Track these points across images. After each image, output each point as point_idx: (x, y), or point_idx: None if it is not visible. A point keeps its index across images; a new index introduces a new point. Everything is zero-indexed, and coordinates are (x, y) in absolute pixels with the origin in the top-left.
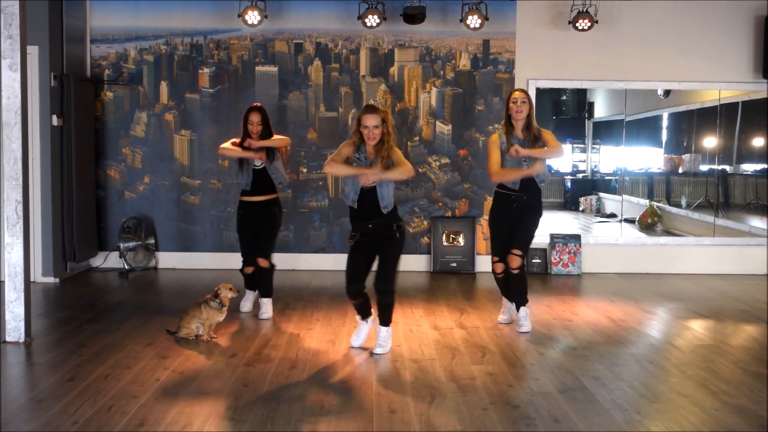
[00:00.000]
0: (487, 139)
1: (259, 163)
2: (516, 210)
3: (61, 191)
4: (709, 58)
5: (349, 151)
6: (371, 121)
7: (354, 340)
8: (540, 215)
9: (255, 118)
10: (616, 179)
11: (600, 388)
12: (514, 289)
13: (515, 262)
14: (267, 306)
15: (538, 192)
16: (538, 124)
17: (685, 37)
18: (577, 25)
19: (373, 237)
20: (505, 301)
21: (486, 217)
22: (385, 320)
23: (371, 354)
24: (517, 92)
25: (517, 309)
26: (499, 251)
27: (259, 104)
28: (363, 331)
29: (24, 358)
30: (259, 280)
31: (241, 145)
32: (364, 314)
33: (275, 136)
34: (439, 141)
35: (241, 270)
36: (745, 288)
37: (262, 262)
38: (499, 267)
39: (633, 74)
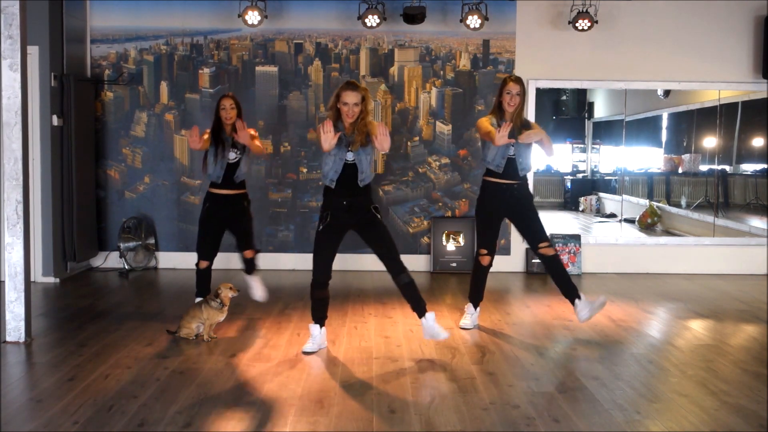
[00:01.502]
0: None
1: (233, 157)
2: (511, 200)
3: (61, 191)
4: (709, 58)
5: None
6: (351, 98)
7: (308, 347)
8: (533, 201)
9: (227, 102)
10: (616, 179)
11: (600, 388)
12: (562, 278)
13: (550, 251)
14: (257, 282)
15: (525, 180)
16: (539, 124)
17: (685, 37)
18: (577, 25)
19: (346, 219)
20: (469, 305)
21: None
22: (422, 308)
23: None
24: (512, 83)
25: (574, 301)
26: (488, 243)
27: (230, 93)
28: (317, 338)
29: (24, 358)
30: (208, 279)
31: (215, 134)
32: (322, 319)
33: (257, 142)
34: (439, 141)
35: (196, 264)
36: (745, 288)
37: (250, 254)
38: (486, 260)
39: (633, 74)
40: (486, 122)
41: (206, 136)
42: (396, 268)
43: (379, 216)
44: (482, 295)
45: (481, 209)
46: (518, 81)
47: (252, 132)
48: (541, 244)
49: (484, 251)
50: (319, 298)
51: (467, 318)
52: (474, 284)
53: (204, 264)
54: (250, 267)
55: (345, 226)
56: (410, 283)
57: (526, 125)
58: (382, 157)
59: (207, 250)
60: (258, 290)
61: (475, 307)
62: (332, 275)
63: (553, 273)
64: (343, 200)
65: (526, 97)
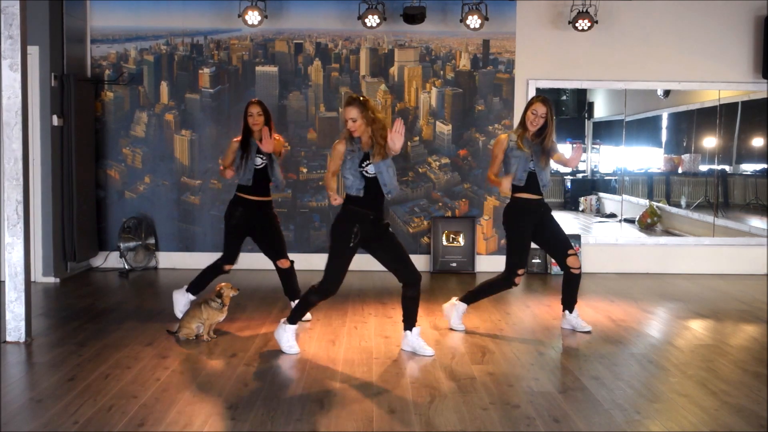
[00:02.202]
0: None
1: (260, 162)
2: (540, 215)
3: (61, 191)
4: (709, 58)
5: (342, 147)
6: (348, 113)
7: (290, 348)
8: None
9: (254, 109)
10: (615, 179)
11: (600, 388)
12: (573, 290)
13: (577, 261)
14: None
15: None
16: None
17: (685, 37)
18: (577, 25)
19: (370, 232)
20: (459, 303)
21: (486, 217)
22: (413, 323)
23: (419, 357)
24: (538, 103)
25: (571, 311)
26: (525, 262)
27: (257, 99)
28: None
29: (24, 358)
30: (286, 284)
31: (244, 141)
32: (298, 320)
33: (276, 136)
34: (439, 141)
35: (219, 266)
36: (745, 288)
37: (285, 263)
38: (520, 279)
39: (633, 74)
40: (500, 147)
41: (236, 144)
42: (412, 278)
43: (390, 228)
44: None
45: (516, 227)
46: (545, 102)
47: (277, 137)
48: (570, 251)
49: (522, 271)
50: (317, 304)
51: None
52: (486, 292)
53: (229, 267)
54: (289, 282)
55: (367, 239)
56: (415, 299)
57: (553, 149)
58: None
59: (233, 256)
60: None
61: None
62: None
63: (570, 284)
64: (371, 214)
65: (553, 118)
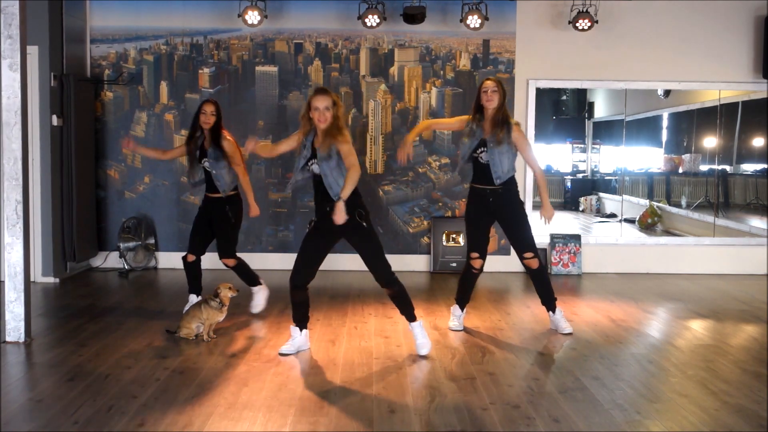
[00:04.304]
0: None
1: (207, 165)
2: (493, 206)
3: (61, 191)
4: (709, 58)
5: (297, 138)
6: (322, 102)
7: (285, 348)
8: (522, 206)
9: (209, 108)
10: (616, 179)
11: (600, 388)
12: (540, 291)
13: (534, 263)
14: (258, 295)
15: (512, 184)
16: (540, 124)
17: (685, 37)
18: (577, 25)
19: (329, 224)
20: (455, 307)
21: None
22: (410, 315)
23: (419, 357)
24: (488, 81)
25: (552, 310)
26: (478, 246)
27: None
28: (297, 341)
29: (24, 358)
30: (196, 274)
31: (190, 137)
32: (302, 322)
33: (228, 137)
34: (439, 141)
35: (183, 257)
36: (745, 288)
37: (229, 262)
38: (478, 263)
39: (633, 74)
40: (458, 121)
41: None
42: (379, 278)
43: (364, 224)
44: (469, 297)
45: (468, 212)
46: (494, 79)
47: (230, 138)
48: (526, 254)
49: (475, 255)
50: (296, 301)
51: (454, 320)
52: (462, 287)
53: (191, 258)
54: (240, 276)
55: (332, 231)
56: (399, 294)
57: (506, 131)
58: (382, 156)
59: (194, 245)
60: (258, 306)
61: (462, 308)
62: (333, 275)
63: (536, 284)
64: (326, 206)
65: (505, 95)
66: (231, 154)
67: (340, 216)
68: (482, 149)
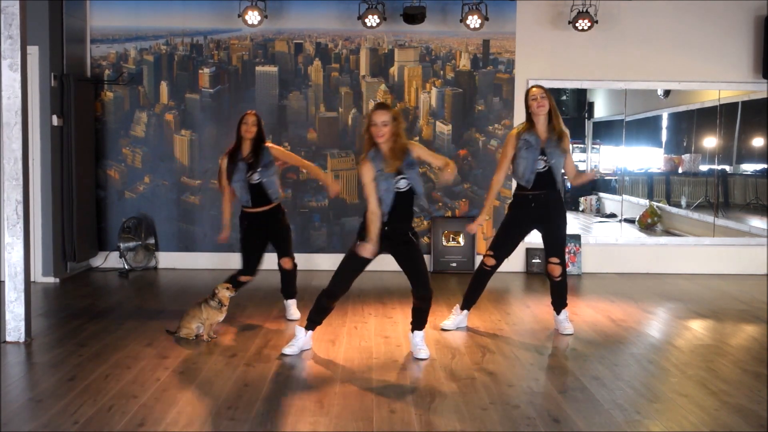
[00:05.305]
0: (504, 137)
1: (257, 177)
2: (546, 210)
3: (61, 191)
4: (709, 58)
5: (371, 169)
6: (380, 117)
7: (288, 349)
8: (564, 212)
9: (250, 118)
10: (616, 179)
11: (600, 388)
12: (556, 294)
13: (556, 270)
14: (293, 307)
15: (557, 190)
16: None
17: (685, 37)
18: (577, 25)
19: (394, 241)
20: (456, 308)
21: (486, 217)
22: (421, 326)
23: (415, 360)
24: (534, 88)
25: (558, 312)
26: (499, 247)
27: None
28: (300, 341)
29: (24, 358)
30: (284, 283)
31: (234, 150)
32: (315, 325)
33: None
34: (439, 141)
35: (237, 278)
36: (745, 288)
37: (286, 263)
38: (491, 261)
39: (633, 74)
40: (508, 147)
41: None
42: (425, 291)
43: (416, 239)
44: (476, 299)
45: (508, 215)
46: (540, 86)
47: (279, 148)
48: (552, 259)
49: (491, 253)
50: (325, 309)
51: (450, 319)
52: (471, 285)
53: (246, 278)
54: (287, 282)
55: (388, 249)
56: (427, 309)
57: (560, 137)
58: None
59: (250, 267)
60: (294, 314)
61: (463, 309)
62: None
63: (553, 287)
64: (385, 226)
65: (553, 101)
66: (279, 155)
67: (451, 173)
68: (542, 157)
